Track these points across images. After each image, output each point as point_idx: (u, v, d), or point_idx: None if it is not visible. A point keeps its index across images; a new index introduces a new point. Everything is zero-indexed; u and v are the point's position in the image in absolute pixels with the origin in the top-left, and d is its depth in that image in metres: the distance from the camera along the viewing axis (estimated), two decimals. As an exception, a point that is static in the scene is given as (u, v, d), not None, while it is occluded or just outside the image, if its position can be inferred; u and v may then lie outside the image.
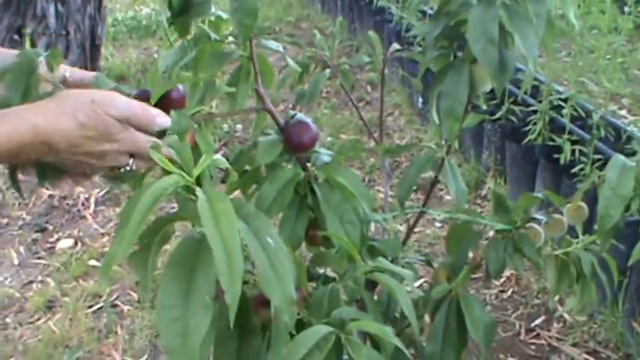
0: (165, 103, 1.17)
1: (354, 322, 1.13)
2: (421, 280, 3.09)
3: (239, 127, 4.95)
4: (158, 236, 1.03)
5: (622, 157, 1.30)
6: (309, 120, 1.32)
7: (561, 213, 1.49)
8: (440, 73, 1.33)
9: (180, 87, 1.21)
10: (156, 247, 1.03)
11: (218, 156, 1.04)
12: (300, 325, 1.15)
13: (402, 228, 3.46)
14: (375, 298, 1.47)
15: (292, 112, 1.35)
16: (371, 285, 1.39)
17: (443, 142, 1.46)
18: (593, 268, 1.52)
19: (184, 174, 0.93)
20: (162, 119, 1.12)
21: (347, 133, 4.92)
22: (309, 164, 1.34)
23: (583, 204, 1.44)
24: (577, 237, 1.55)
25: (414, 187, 1.50)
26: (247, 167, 1.40)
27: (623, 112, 4.38)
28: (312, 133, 1.32)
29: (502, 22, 1.19)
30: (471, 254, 1.52)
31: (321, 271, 1.38)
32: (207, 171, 1.07)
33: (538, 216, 1.48)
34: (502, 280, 3.39)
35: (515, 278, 3.37)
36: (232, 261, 0.83)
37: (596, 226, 1.29)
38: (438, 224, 3.82)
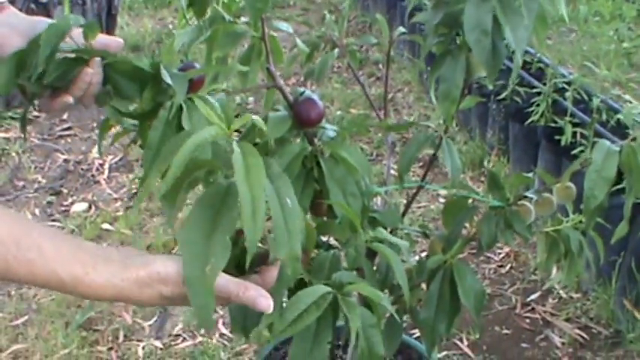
0: (189, 84, 1.25)
1: (351, 285, 1.22)
2: (421, 253, 3.18)
3: (251, 99, 5.02)
4: (187, 179, 1.10)
5: (607, 142, 1.38)
6: (316, 97, 1.40)
7: (551, 192, 1.57)
8: (439, 58, 1.40)
9: (199, 67, 1.30)
10: (185, 188, 1.10)
11: (256, 117, 1.12)
12: (302, 285, 1.23)
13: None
14: (375, 268, 1.55)
15: (301, 89, 1.43)
16: (371, 255, 1.48)
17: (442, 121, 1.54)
18: (580, 245, 1.60)
19: (224, 126, 1.02)
20: (263, 302, 1.07)
21: (357, 107, 4.98)
22: (315, 139, 1.42)
23: (571, 184, 1.52)
24: (568, 216, 1.63)
25: (419, 163, 1.58)
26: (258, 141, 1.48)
27: (628, 97, 4.44)
28: (319, 110, 1.40)
29: (496, 15, 1.26)
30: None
31: (325, 239, 1.46)
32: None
33: (529, 194, 1.56)
34: (501, 255, 3.47)
35: (514, 254, 3.46)
36: (256, 208, 0.92)
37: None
38: (442, 199, 3.90)
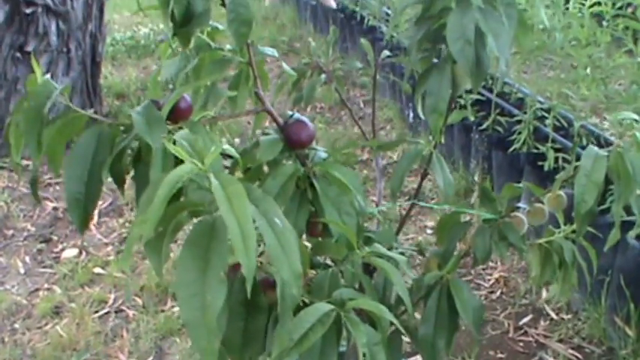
0: (175, 114, 1.25)
1: (353, 301, 1.21)
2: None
3: (237, 140, 5.03)
4: (172, 224, 1.10)
5: (595, 148, 1.39)
6: (306, 119, 1.40)
7: (542, 202, 1.57)
8: (424, 73, 1.41)
9: (187, 97, 1.29)
10: (169, 235, 1.09)
11: (227, 146, 1.12)
12: (303, 307, 1.22)
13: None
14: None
15: (290, 112, 1.43)
16: (368, 272, 1.47)
17: (430, 138, 1.54)
18: (573, 255, 1.60)
19: (197, 162, 1.01)
20: None
21: (341, 146, 5.00)
22: (307, 161, 1.42)
23: (561, 192, 1.52)
24: (559, 228, 1.63)
25: (407, 189, 1.57)
26: (249, 166, 1.47)
27: (606, 122, 4.47)
28: (309, 131, 1.40)
29: (478, 25, 1.27)
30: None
31: (322, 260, 1.45)
32: (217, 162, 1.14)
33: (521, 205, 1.56)
34: (491, 282, 3.46)
35: (504, 280, 3.45)
36: (246, 236, 0.91)
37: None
38: (429, 231, 3.90)
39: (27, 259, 3.90)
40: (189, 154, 1.03)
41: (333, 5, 1.63)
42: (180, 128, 1.22)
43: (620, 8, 3.78)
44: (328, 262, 1.42)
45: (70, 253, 3.92)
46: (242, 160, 1.44)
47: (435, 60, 1.43)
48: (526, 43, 1.37)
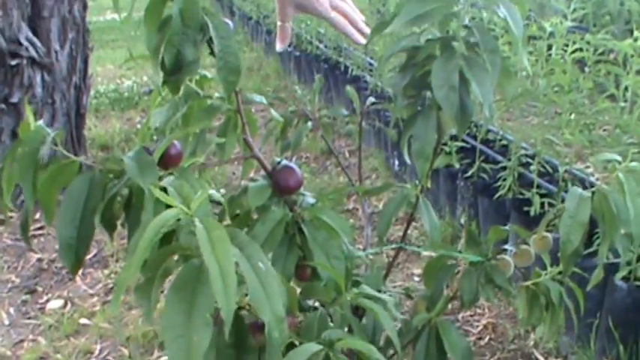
0: (165, 160, 1.28)
1: (342, 341, 1.23)
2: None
3: (223, 191, 5.04)
4: (160, 269, 1.12)
5: (579, 189, 1.42)
6: (294, 165, 1.43)
7: (529, 244, 1.60)
8: (410, 119, 1.44)
9: (177, 144, 1.32)
10: (159, 280, 1.12)
11: (213, 191, 1.14)
12: (292, 348, 1.24)
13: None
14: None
15: (278, 159, 1.46)
16: (357, 315, 1.49)
17: (417, 182, 1.57)
18: (560, 296, 1.63)
19: (184, 207, 1.04)
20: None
21: (327, 196, 5.02)
22: (296, 206, 1.45)
23: (547, 234, 1.55)
24: (545, 269, 1.66)
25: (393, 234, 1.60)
26: (238, 212, 1.50)
27: (590, 167, 4.52)
28: (297, 177, 1.43)
29: (462, 72, 1.31)
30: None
31: (311, 303, 1.47)
32: (203, 209, 1.17)
33: (507, 247, 1.59)
34: (479, 328, 3.47)
35: (492, 326, 3.46)
36: (227, 280, 0.92)
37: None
38: (416, 278, 3.92)
39: (11, 310, 3.89)
40: (176, 199, 1.06)
41: (362, 41, 1.67)
42: (171, 174, 1.25)
43: (601, 54, 3.86)
44: (317, 305, 1.44)
45: (56, 304, 3.91)
46: (231, 206, 1.47)
47: (420, 106, 1.46)
48: (510, 90, 1.41)
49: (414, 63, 1.41)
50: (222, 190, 4.50)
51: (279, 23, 1.62)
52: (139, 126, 6.76)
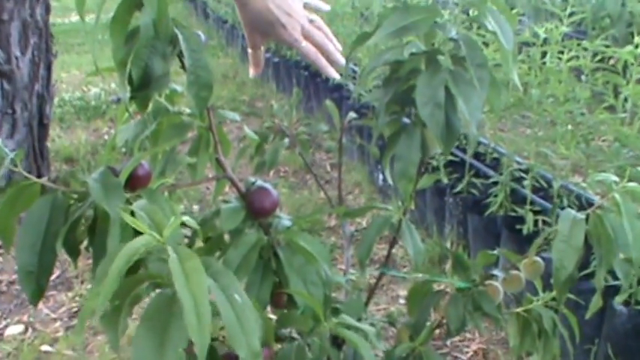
0: (133, 181, 1.28)
1: (320, 375, 1.24)
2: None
3: (196, 207, 5.05)
4: (129, 297, 1.12)
5: (572, 211, 1.44)
6: (269, 186, 1.44)
7: (519, 269, 1.61)
8: (393, 136, 1.46)
9: (145, 164, 1.33)
10: (127, 308, 1.12)
11: (187, 217, 1.15)
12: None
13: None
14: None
15: (252, 179, 1.47)
16: (336, 345, 1.49)
17: (399, 203, 1.58)
18: (554, 323, 1.64)
19: (156, 234, 1.04)
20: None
21: (307, 212, 5.03)
22: (271, 229, 1.46)
23: (538, 258, 1.57)
24: (537, 294, 1.67)
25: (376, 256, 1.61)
26: (211, 235, 1.51)
27: (586, 182, 4.54)
28: (272, 198, 1.44)
29: (448, 87, 1.33)
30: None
31: (288, 332, 1.48)
32: (176, 234, 1.18)
33: (496, 272, 1.60)
34: (469, 354, 3.48)
35: (483, 352, 3.48)
36: (201, 313, 0.93)
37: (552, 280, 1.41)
38: (402, 301, 3.93)
39: (-33, 336, 3.87)
40: (147, 225, 1.07)
41: (334, 75, 1.66)
42: (139, 196, 1.25)
43: (600, 61, 3.87)
44: (294, 334, 1.45)
45: (15, 329, 3.88)
46: (202, 229, 1.48)
47: (405, 121, 1.48)
48: (498, 105, 1.42)
49: (397, 77, 1.42)
50: (196, 207, 4.52)
51: (249, 50, 1.61)
52: (106, 137, 6.73)
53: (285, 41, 1.54)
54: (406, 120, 1.49)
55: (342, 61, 1.60)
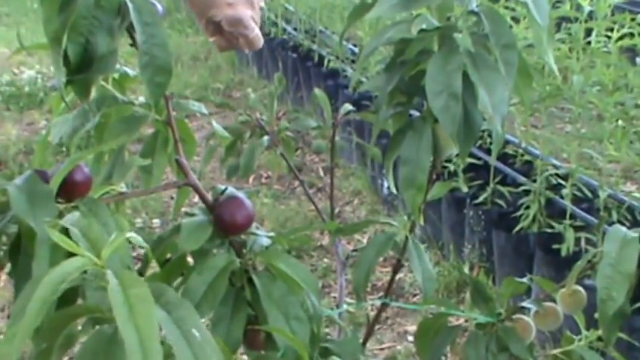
0: (67, 188, 1.25)
1: None
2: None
3: (156, 221, 5.02)
4: (60, 338, 1.09)
5: (622, 228, 1.41)
6: (242, 195, 1.42)
7: (554, 301, 1.59)
8: (397, 134, 1.43)
9: (84, 167, 1.30)
10: (58, 351, 1.09)
11: (132, 234, 1.12)
12: None
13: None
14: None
15: (222, 187, 1.44)
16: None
17: (406, 217, 1.56)
18: (600, 371, 1.62)
19: (92, 256, 1.01)
20: None
21: (294, 226, 5.00)
22: (245, 250, 1.43)
23: (580, 288, 1.54)
24: (579, 332, 1.65)
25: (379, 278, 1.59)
26: (170, 256, 1.48)
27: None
28: (246, 211, 1.41)
29: (467, 73, 1.30)
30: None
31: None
32: (119, 257, 1.15)
33: (526, 305, 1.58)
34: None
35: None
36: (148, 354, 0.90)
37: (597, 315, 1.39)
38: (410, 337, 3.90)
39: None
40: (81, 244, 1.04)
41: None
42: (76, 208, 1.23)
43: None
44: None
45: None
46: (159, 249, 1.45)
47: (413, 115, 1.45)
48: (529, 96, 1.40)
49: (403, 61, 1.40)
50: (156, 221, 4.52)
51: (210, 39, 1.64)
52: (43, 132, 6.64)
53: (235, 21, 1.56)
54: (414, 113, 1.47)
55: None
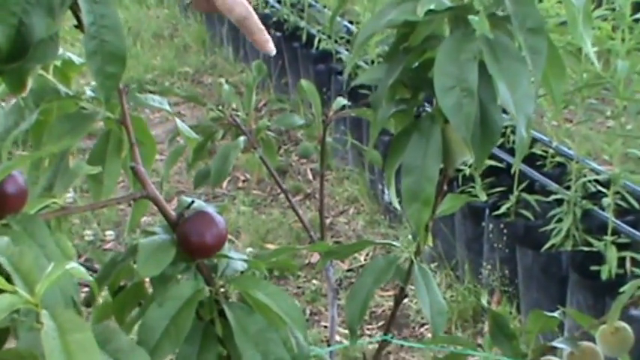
0: None
1: None
2: None
3: (110, 233, 5.01)
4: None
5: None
6: (212, 209, 1.41)
7: (593, 339, 1.59)
8: (399, 137, 1.42)
9: (18, 176, 1.29)
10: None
11: (75, 264, 1.11)
12: None
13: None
14: None
15: (187, 199, 1.43)
16: None
17: (410, 237, 1.56)
18: None
19: (23, 292, 1.00)
20: None
21: (276, 241, 5.01)
22: (215, 276, 1.43)
23: (624, 324, 1.54)
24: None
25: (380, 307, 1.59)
26: (124, 283, 1.48)
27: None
28: (217, 229, 1.40)
29: (484, 64, 1.29)
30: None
31: None
32: (59, 289, 1.14)
33: (558, 344, 1.58)
34: None
35: None
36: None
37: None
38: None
39: None
40: (12, 276, 1.03)
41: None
42: (7, 227, 1.22)
43: None
44: None
45: None
46: (111, 275, 1.45)
47: (416, 117, 1.45)
48: (560, 89, 1.39)
49: (408, 48, 1.40)
50: (110, 233, 4.53)
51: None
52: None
53: None
54: (422, 111, 1.47)
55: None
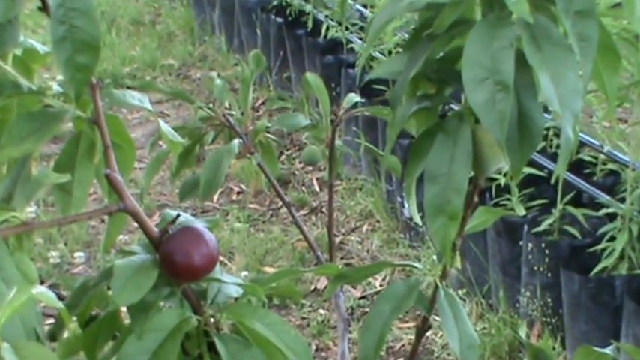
0: None
1: None
2: None
3: (80, 254, 5.02)
4: None
5: None
6: (201, 225, 1.41)
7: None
8: (422, 140, 1.42)
9: None
10: None
11: (43, 288, 1.11)
12: None
13: None
14: None
15: (172, 213, 1.43)
16: None
17: (435, 259, 1.56)
18: None
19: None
20: None
21: (276, 264, 5.01)
22: (204, 303, 1.43)
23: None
24: None
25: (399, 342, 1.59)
26: (97, 312, 1.48)
27: None
28: (207, 248, 1.41)
29: (522, 52, 1.29)
30: None
31: None
32: (20, 319, 1.15)
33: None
34: None
35: None
36: None
37: None
38: None
39: None
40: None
41: None
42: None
43: None
44: None
45: None
46: (84, 301, 1.45)
47: (442, 116, 1.45)
48: (614, 84, 1.38)
49: (432, 34, 1.40)
50: (80, 254, 4.56)
51: None
52: None
53: None
54: (449, 109, 1.47)
55: None
